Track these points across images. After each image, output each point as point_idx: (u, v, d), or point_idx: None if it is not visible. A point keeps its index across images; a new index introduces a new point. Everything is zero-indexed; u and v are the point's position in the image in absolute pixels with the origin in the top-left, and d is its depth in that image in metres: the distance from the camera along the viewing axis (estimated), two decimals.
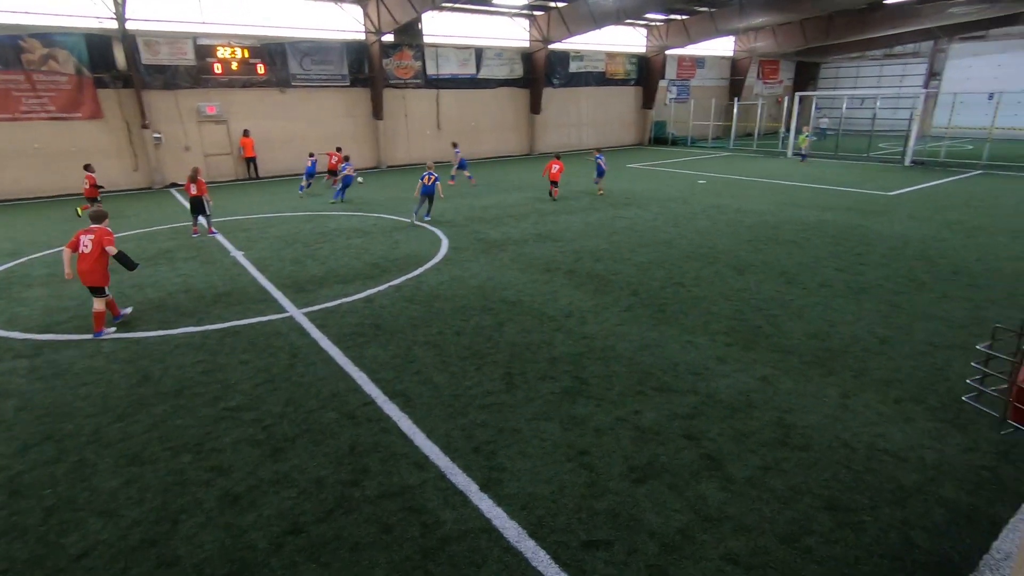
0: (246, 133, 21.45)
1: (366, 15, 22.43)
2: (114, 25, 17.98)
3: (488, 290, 8.51)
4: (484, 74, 26.73)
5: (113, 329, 7.30)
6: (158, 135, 19.67)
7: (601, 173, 16.83)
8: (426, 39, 24.62)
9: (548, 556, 3.54)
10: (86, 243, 6.88)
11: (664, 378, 5.74)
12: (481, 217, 13.90)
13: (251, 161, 21.75)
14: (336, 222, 13.62)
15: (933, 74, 36.18)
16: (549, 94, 29.00)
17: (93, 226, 7.05)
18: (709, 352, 6.31)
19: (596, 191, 17.11)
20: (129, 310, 7.80)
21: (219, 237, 12.26)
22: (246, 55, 20.61)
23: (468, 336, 6.86)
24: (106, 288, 7.13)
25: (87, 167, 15.18)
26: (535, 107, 28.67)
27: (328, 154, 19.11)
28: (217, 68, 20.17)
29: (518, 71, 27.75)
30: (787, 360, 6.08)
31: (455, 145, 20.38)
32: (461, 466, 4.41)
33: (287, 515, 3.92)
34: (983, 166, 21.36)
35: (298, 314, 7.67)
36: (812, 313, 7.38)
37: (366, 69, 23.22)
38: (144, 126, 19.28)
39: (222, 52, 20.14)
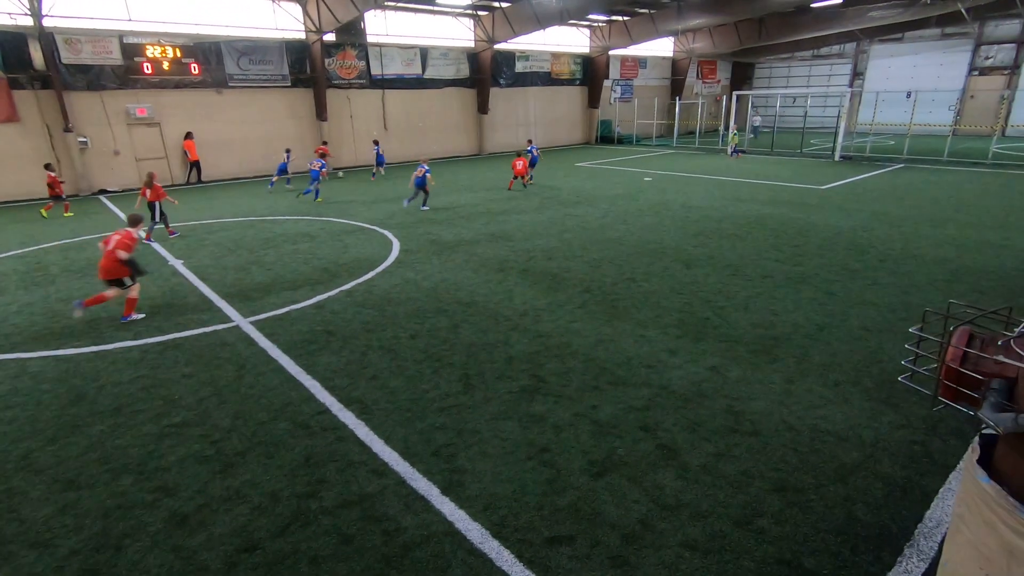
0: (189, 136, 20.58)
1: (306, 14, 21.83)
2: (30, 22, 16.79)
3: (442, 292, 8.45)
4: (430, 74, 26.51)
5: (142, 315, 7.71)
6: (83, 139, 18.53)
7: (533, 163, 18.54)
8: (369, 39, 24.19)
9: (512, 555, 3.55)
10: (111, 241, 7.39)
11: (619, 372, 5.85)
12: (432, 218, 13.79)
13: (195, 165, 20.85)
14: (281, 227, 13.21)
15: (857, 74, 38.42)
16: (496, 94, 29.05)
17: (125, 228, 7.66)
18: (661, 345, 6.47)
19: (525, 182, 18.21)
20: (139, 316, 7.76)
21: (155, 245, 11.66)
22: (178, 54, 19.67)
23: (423, 339, 6.79)
24: (130, 278, 7.61)
25: (47, 166, 15.51)
26: (483, 107, 28.66)
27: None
28: (147, 68, 19.16)
29: (464, 71, 27.66)
30: (734, 349, 6.31)
31: (376, 143, 21.73)
32: (421, 471, 4.36)
33: (240, 532, 3.77)
34: (904, 160, 22.83)
35: (244, 323, 7.40)
36: (756, 303, 7.69)
37: (308, 69, 22.60)
38: (67, 129, 18.11)
39: (152, 51, 19.15)
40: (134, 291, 7.60)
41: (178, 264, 10.24)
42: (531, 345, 6.54)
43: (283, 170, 18.13)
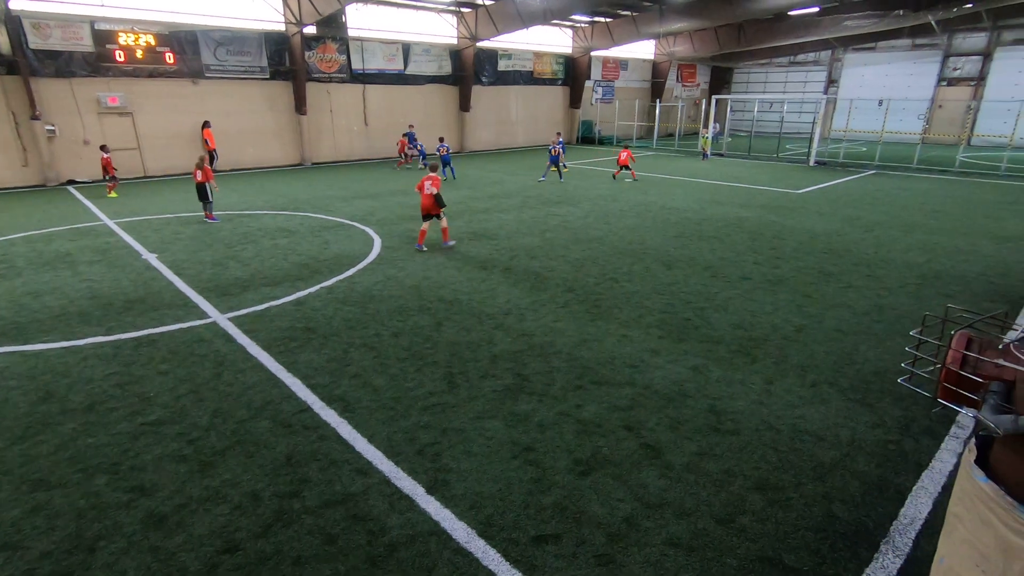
0: (206, 124, 20.66)
1: (286, 5, 21.46)
2: None
3: (424, 289, 8.40)
4: (412, 70, 26.30)
5: (453, 243, 10.76)
6: (51, 127, 17.93)
7: (555, 160, 19.66)
8: (351, 32, 23.90)
9: (499, 554, 3.54)
10: (424, 186, 10.32)
11: (602, 372, 5.89)
12: (413, 216, 13.68)
13: (212, 154, 20.65)
14: (259, 222, 12.97)
15: (831, 81, 39.29)
16: (478, 92, 28.97)
17: (432, 175, 10.46)
18: (643, 345, 6.53)
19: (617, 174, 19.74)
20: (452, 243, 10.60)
21: (128, 238, 11.35)
22: (152, 42, 19.16)
23: (406, 337, 6.74)
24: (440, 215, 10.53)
25: (103, 147, 16.50)
26: (464, 104, 28.55)
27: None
28: (119, 56, 18.61)
29: (447, 68, 27.52)
30: (715, 350, 6.41)
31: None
32: (406, 470, 4.32)
33: (221, 533, 3.70)
34: (876, 166, 23.43)
35: (222, 319, 7.24)
36: (735, 305, 7.81)
37: (287, 61, 22.23)
38: (35, 117, 17.50)
39: (124, 38, 18.62)
40: (445, 221, 10.76)
41: (152, 258, 9.98)
42: (515, 344, 6.54)
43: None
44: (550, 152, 19.55)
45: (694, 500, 4.01)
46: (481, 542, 3.64)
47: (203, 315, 7.39)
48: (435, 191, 10.31)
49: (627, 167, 19.37)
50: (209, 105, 20.88)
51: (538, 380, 5.71)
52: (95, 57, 18.23)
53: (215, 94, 20.97)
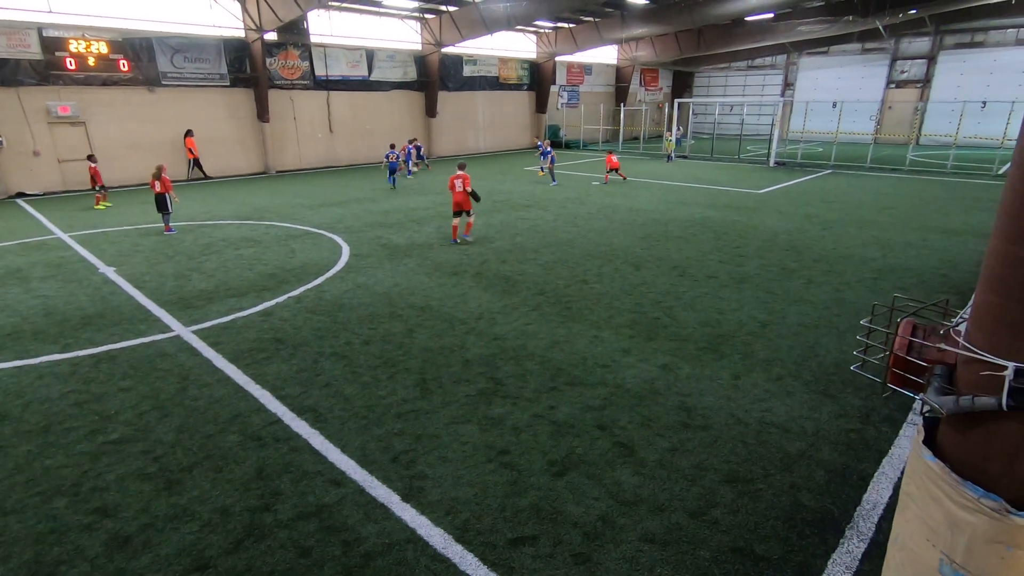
0: (189, 133, 20.64)
1: (245, 11, 21.07)
2: None
3: (395, 296, 8.34)
4: (376, 76, 26.12)
5: (471, 238, 11.59)
6: None
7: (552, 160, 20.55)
8: (313, 39, 23.61)
9: (476, 558, 3.54)
10: (455, 184, 10.96)
11: (575, 373, 5.95)
12: (382, 223, 13.58)
13: (195, 162, 20.75)
14: (222, 232, 12.68)
15: (788, 84, 40.55)
16: (444, 97, 28.94)
17: (461, 173, 11.05)
18: (614, 345, 6.62)
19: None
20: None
21: (84, 252, 10.95)
22: (105, 50, 18.57)
23: (377, 344, 6.68)
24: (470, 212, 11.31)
25: (90, 157, 16.26)
26: (431, 110, 28.48)
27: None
28: (70, 63, 17.97)
29: (412, 74, 27.42)
30: (684, 348, 6.54)
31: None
32: (380, 478, 4.29)
33: (190, 551, 3.60)
34: (832, 166, 24.26)
35: (186, 332, 7.06)
36: (702, 303, 7.98)
37: (248, 68, 21.82)
38: None
39: (75, 46, 17.99)
40: (472, 217, 11.54)
41: (109, 272, 9.65)
42: (487, 348, 6.55)
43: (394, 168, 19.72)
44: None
45: (667, 495, 4.09)
46: (458, 547, 3.63)
47: (165, 329, 7.19)
48: (468, 188, 10.95)
49: (616, 170, 20.14)
50: (167, 113, 20.34)
51: (512, 383, 5.73)
52: (44, 65, 17.56)
53: (173, 102, 20.44)
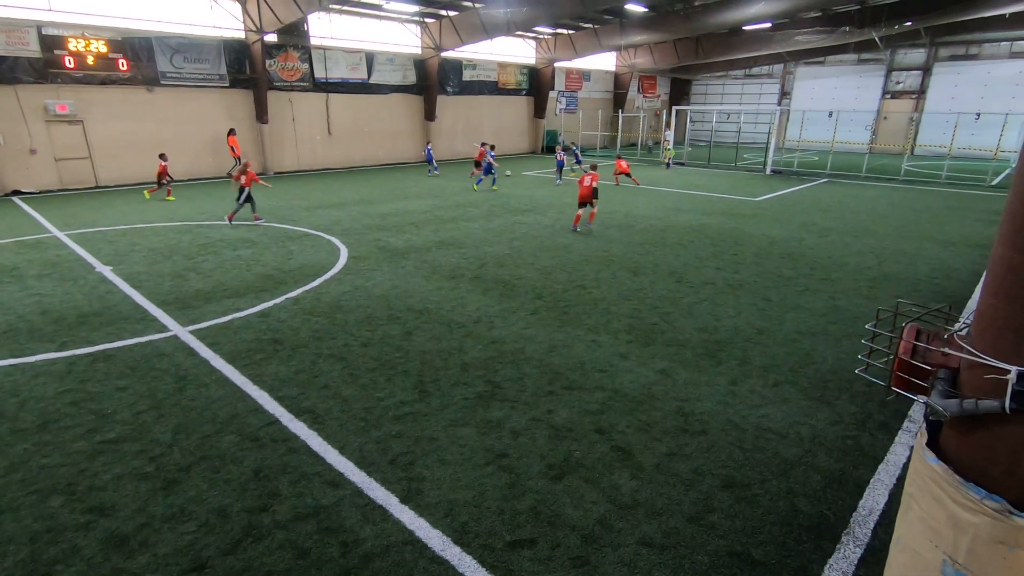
0: (232, 132, 21.29)
1: (245, 13, 21.11)
2: None
3: (393, 299, 8.34)
4: (376, 79, 26.18)
5: (593, 226, 13.28)
6: None
7: (560, 166, 21.73)
8: (313, 41, 23.65)
9: (475, 561, 3.54)
10: (585, 180, 12.80)
11: (573, 377, 5.96)
12: (380, 225, 13.59)
13: (237, 160, 21.08)
14: (219, 232, 12.65)
15: (784, 93, 40.85)
16: (443, 101, 29.02)
17: (593, 172, 13.08)
18: (612, 350, 6.64)
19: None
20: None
21: (80, 251, 10.91)
22: (104, 49, 18.55)
23: (376, 347, 6.67)
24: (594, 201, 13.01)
25: (162, 156, 17.15)
26: (430, 114, 28.55)
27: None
28: (69, 62, 17.94)
29: (411, 77, 27.49)
30: (682, 353, 6.56)
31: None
32: (379, 480, 4.28)
33: (187, 551, 3.58)
34: (828, 175, 24.42)
35: (183, 332, 7.03)
36: (699, 309, 8.02)
37: (247, 69, 21.83)
38: None
39: (74, 44, 17.96)
40: (596, 207, 13.21)
41: (106, 271, 9.61)
42: (485, 351, 6.56)
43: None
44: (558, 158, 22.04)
45: (665, 500, 4.10)
46: (457, 549, 3.63)
47: (163, 329, 7.16)
48: (595, 185, 12.80)
49: (628, 174, 20.55)
50: (166, 113, 20.32)
51: (510, 387, 5.74)
52: (42, 63, 17.52)
53: (172, 102, 20.42)
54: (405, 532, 3.77)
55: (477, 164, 21.11)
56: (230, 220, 13.44)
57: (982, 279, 9.71)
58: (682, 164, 28.49)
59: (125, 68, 19.06)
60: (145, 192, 17.22)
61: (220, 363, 6.20)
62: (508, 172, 22.65)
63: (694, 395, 5.61)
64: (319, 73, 24.08)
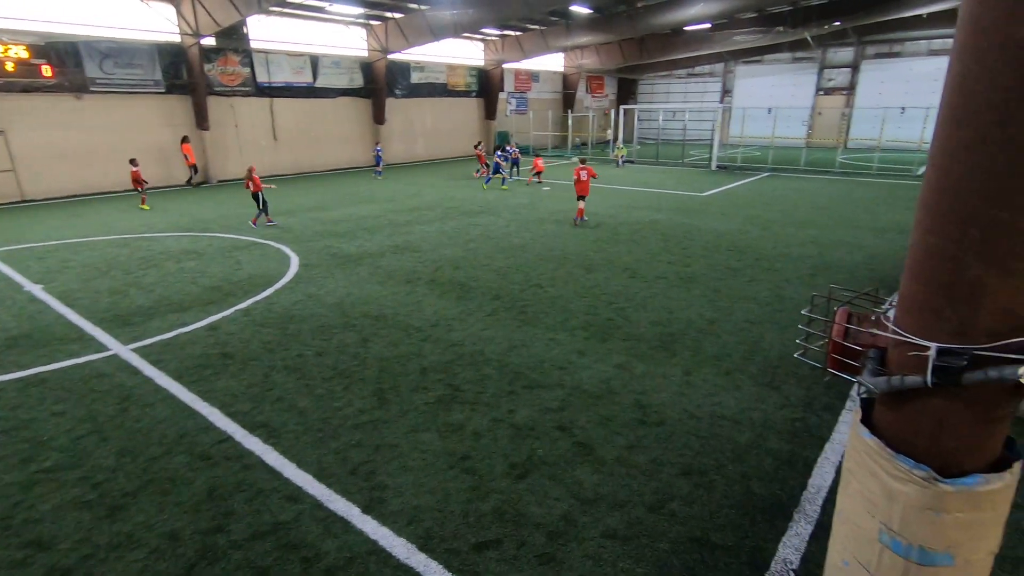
0: (185, 140, 20.79)
1: (180, 15, 20.29)
2: None
3: (348, 306, 8.19)
4: (322, 83, 25.62)
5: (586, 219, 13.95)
6: None
7: (515, 163, 22.24)
8: (254, 44, 22.95)
9: (440, 566, 3.52)
10: (581, 174, 13.50)
11: (532, 376, 6.00)
12: (332, 231, 13.31)
13: (194, 168, 21.12)
14: (161, 244, 12.12)
15: (726, 91, 42.28)
16: (392, 104, 28.68)
17: (587, 166, 13.70)
18: (570, 347, 6.72)
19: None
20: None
21: (5, 269, 10.24)
22: (26, 54, 17.46)
23: (331, 356, 6.54)
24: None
25: (132, 161, 16.77)
26: (379, 117, 28.16)
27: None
28: None
29: (358, 80, 27.05)
30: (637, 347, 6.70)
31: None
32: (339, 491, 4.20)
33: None
34: (769, 169, 25.42)
35: (125, 351, 6.71)
36: (653, 303, 8.21)
37: (185, 74, 20.98)
38: None
39: None
40: (584, 203, 13.83)
41: (36, 289, 9.06)
42: (444, 355, 6.53)
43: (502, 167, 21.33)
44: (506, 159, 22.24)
45: (627, 491, 4.18)
46: (422, 556, 3.60)
47: (102, 348, 6.81)
48: (593, 178, 13.73)
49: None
50: (97, 122, 19.29)
51: (470, 389, 5.73)
52: None
53: (103, 110, 19.41)
54: (368, 542, 3.71)
55: (486, 164, 22.80)
56: (254, 223, 13.77)
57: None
58: (632, 162, 29.08)
59: (50, 74, 17.99)
60: (143, 204, 16.57)
61: (166, 381, 5.94)
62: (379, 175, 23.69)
63: (651, 387, 5.74)
64: (262, 77, 23.39)
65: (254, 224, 13.79)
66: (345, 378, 5.99)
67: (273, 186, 14.68)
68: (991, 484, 1.84)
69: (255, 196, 13.79)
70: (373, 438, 4.89)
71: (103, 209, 16.65)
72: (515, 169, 23.09)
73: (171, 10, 20.27)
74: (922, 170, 23.87)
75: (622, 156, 28.14)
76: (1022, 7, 1.58)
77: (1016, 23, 1.60)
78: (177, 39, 20.66)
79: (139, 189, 16.63)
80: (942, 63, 32.81)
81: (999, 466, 1.91)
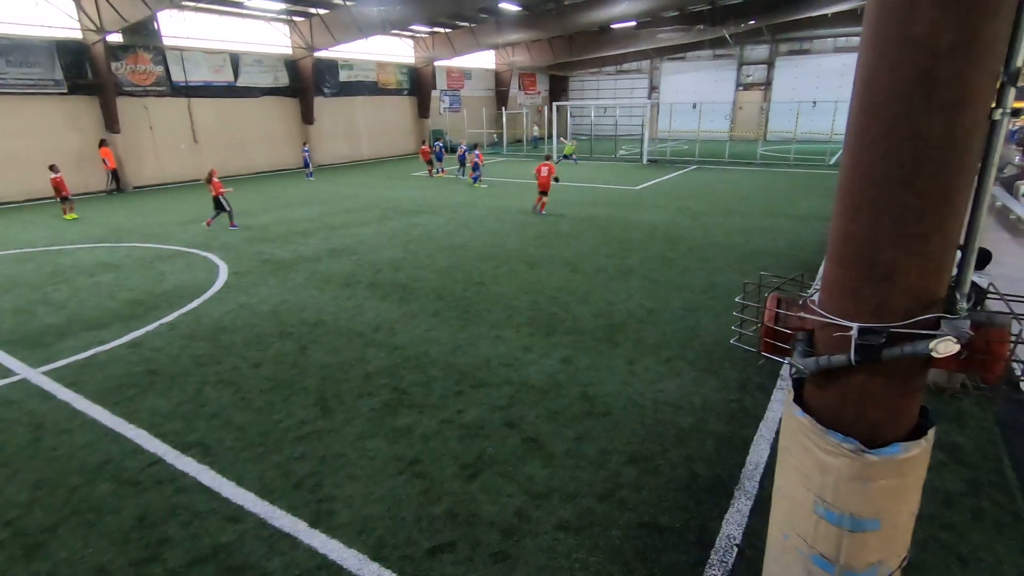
0: (103, 143, 19.90)
1: (81, 10, 18.81)
2: None
3: (284, 313, 7.88)
4: (244, 82, 24.47)
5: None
6: None
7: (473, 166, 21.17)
8: (166, 41, 21.61)
9: (394, 574, 3.45)
10: (543, 170, 14.39)
11: (479, 375, 5.99)
12: (263, 236, 12.76)
13: (113, 173, 20.24)
14: (72, 257, 11.23)
15: (653, 87, 43.66)
16: (321, 103, 27.79)
17: (549, 163, 14.67)
18: (515, 343, 6.75)
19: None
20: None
21: None
22: None
23: (268, 366, 6.27)
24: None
25: (52, 167, 15.31)
26: (307, 117, 27.22)
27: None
28: None
29: (283, 79, 26.02)
30: (582, 340, 6.82)
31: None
32: (284, 507, 4.04)
33: None
34: (696, 162, 26.50)
35: (35, 375, 6.17)
36: (594, 296, 8.37)
37: (89, 73, 19.49)
38: None
39: None
40: (547, 198, 14.64)
41: None
42: (389, 359, 6.40)
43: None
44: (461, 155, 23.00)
45: (577, 483, 4.24)
46: (375, 566, 3.52)
47: (7, 373, 6.23)
48: (552, 174, 14.49)
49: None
50: None
51: (417, 392, 5.65)
52: None
53: None
54: (317, 557, 3.59)
55: (428, 162, 23.62)
56: (233, 226, 13.58)
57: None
58: (568, 158, 29.53)
59: None
60: (66, 215, 15.47)
61: (84, 404, 5.51)
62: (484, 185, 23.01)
63: (596, 379, 5.85)
64: (177, 76, 22.07)
65: (208, 225, 13.66)
66: (285, 389, 5.76)
67: (230, 189, 14.23)
68: (911, 451, 1.99)
69: (215, 200, 13.44)
70: (318, 449, 4.73)
71: (0, 222, 15.23)
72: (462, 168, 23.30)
73: (70, 4, 18.76)
74: (835, 159, 25.56)
75: (575, 154, 28.15)
76: (919, 6, 1.71)
77: (912, 21, 1.72)
78: (78, 35, 19.16)
79: (63, 198, 15.43)
80: (847, 59, 35.28)
81: (916, 434, 2.08)
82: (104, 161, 20.03)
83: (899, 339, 1.87)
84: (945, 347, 1.75)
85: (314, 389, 5.74)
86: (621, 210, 15.19)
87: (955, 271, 1.94)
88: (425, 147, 24.21)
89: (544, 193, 14.53)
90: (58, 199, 15.57)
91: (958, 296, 1.88)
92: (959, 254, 1.94)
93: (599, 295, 8.40)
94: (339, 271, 9.89)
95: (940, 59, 1.70)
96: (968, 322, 1.84)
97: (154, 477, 4.41)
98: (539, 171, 14.44)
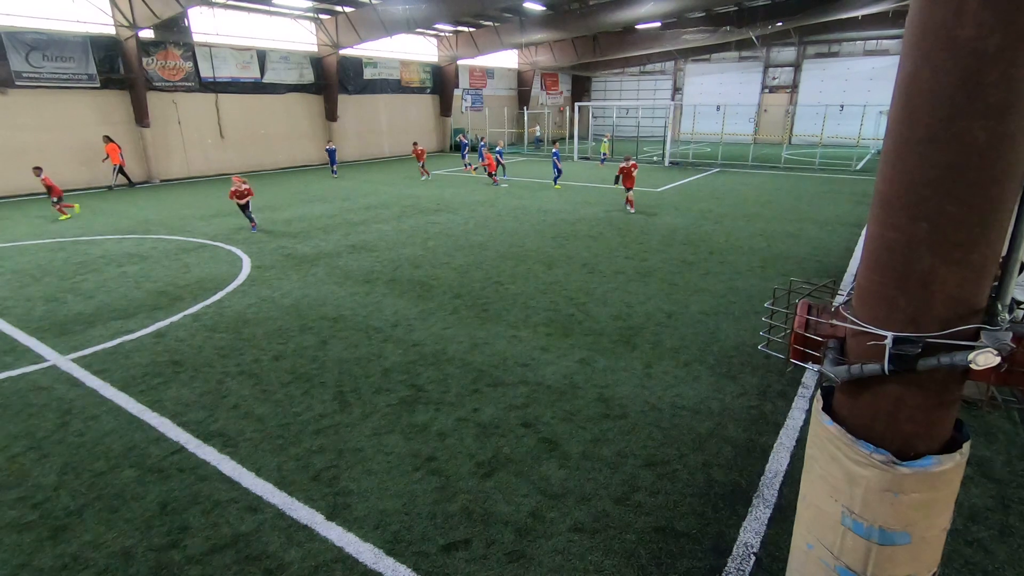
0: (108, 139, 19.43)
1: (115, 6, 19.24)
2: None
3: (304, 308, 7.97)
4: (270, 78, 24.82)
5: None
6: None
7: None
8: (196, 37, 22.01)
9: (409, 569, 3.47)
10: (634, 172, 15.03)
11: (496, 373, 5.98)
12: (285, 231, 12.92)
13: (120, 169, 19.80)
14: (101, 248, 11.49)
15: (677, 88, 43.28)
16: (345, 101, 28.07)
17: (633, 161, 15.14)
18: (533, 343, 6.73)
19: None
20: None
21: None
22: None
23: (289, 359, 6.34)
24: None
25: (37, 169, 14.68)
26: (331, 114, 27.50)
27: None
28: None
29: (309, 76, 26.33)
30: (599, 342, 6.78)
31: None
32: (302, 499, 4.08)
33: None
34: (719, 164, 26.19)
35: (64, 361, 6.32)
36: (613, 297, 8.32)
37: (121, 69, 19.92)
38: None
39: None
40: (631, 194, 15.19)
41: None
42: (406, 355, 6.43)
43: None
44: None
45: (592, 485, 4.22)
46: (390, 560, 3.53)
47: (38, 359, 6.39)
48: (635, 173, 14.91)
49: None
50: (24, 119, 18.12)
51: (433, 389, 5.67)
52: None
53: (31, 106, 18.24)
54: (334, 549, 3.62)
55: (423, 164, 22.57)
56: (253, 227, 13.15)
57: (854, 254, 10.83)
58: (587, 159, 29.40)
59: None
60: (60, 215, 14.52)
61: (111, 392, 5.63)
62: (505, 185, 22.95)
63: (613, 381, 5.81)
64: (205, 72, 22.46)
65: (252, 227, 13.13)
66: (304, 382, 5.82)
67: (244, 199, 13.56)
68: (944, 465, 1.94)
69: (241, 207, 12.91)
70: (335, 443, 4.77)
71: (33, 211, 15.65)
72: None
73: (104, 1, 19.19)
74: (861, 164, 25.07)
75: (607, 152, 28.00)
76: (965, 9, 1.66)
77: (959, 24, 1.67)
78: (112, 31, 19.60)
79: (55, 198, 14.47)
80: (876, 63, 34.58)
81: (950, 447, 2.02)
82: (107, 157, 19.51)
83: (935, 349, 1.82)
84: (985, 359, 1.70)
85: (332, 383, 5.79)
86: (641, 211, 15.08)
87: (997, 281, 1.88)
88: (418, 147, 22.58)
89: (629, 189, 15.02)
90: (54, 199, 14.50)
91: (1000, 307, 1.83)
92: (1002, 263, 1.88)
93: (617, 297, 8.34)
94: (359, 267, 9.97)
95: (987, 62, 1.65)
96: (1010, 334, 1.78)
97: (176, 465, 4.48)
98: (630, 172, 14.77)
